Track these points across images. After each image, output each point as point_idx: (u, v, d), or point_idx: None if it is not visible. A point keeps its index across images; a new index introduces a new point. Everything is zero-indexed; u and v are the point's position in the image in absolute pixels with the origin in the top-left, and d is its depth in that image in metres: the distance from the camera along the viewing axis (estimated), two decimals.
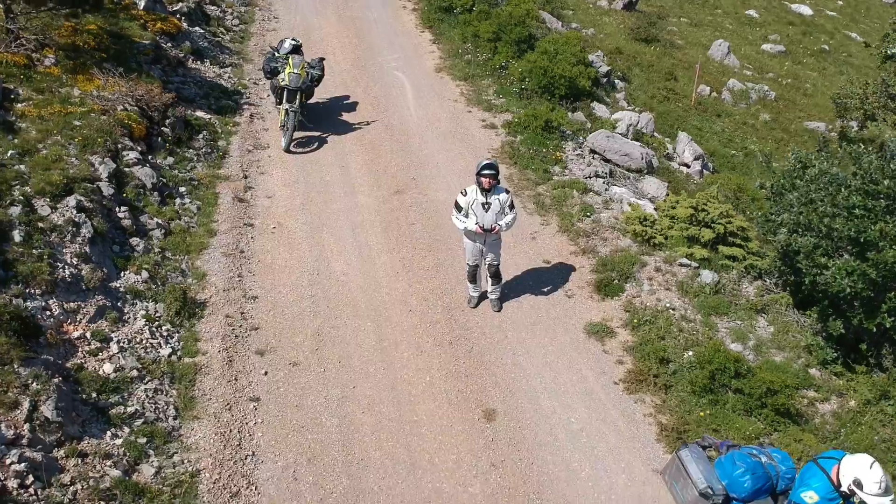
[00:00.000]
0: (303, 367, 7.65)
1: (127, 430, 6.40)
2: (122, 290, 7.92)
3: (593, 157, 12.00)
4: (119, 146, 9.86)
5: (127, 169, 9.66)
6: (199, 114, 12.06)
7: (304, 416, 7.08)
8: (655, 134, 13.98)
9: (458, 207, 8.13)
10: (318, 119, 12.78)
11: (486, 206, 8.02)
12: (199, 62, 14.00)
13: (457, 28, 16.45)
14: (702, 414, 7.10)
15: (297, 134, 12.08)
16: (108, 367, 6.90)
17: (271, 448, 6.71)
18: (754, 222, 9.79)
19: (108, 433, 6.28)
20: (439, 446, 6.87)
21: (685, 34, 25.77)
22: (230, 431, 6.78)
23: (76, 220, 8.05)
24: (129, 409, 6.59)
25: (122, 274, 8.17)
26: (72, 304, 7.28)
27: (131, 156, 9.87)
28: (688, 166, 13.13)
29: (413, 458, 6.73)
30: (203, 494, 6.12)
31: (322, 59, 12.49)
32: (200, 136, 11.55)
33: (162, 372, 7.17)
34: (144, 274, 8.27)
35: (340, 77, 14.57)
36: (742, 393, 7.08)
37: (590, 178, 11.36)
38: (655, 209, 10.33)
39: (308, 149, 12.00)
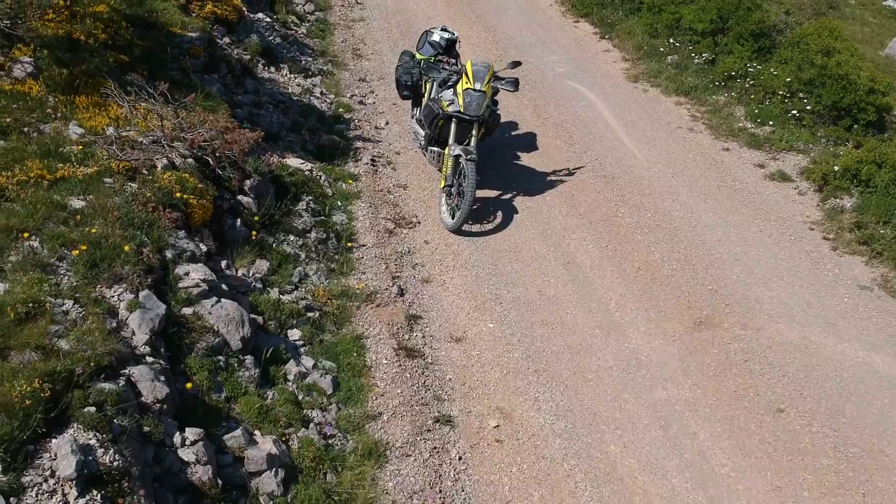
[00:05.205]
0: None
1: None
2: None
3: None
4: (167, 256, 4.58)
5: (188, 311, 4.37)
6: (292, 161, 6.77)
7: None
8: None
9: None
10: (482, 164, 7.52)
11: None
12: (271, 68, 8.71)
13: (636, 16, 11.15)
14: None
15: None
16: None
17: None
18: None
19: None
20: None
21: None
22: None
23: None
24: None
25: None
26: None
27: (192, 275, 4.58)
28: None
29: None
30: None
31: (517, 64, 7.07)
32: (300, 204, 6.26)
33: None
34: None
35: None
36: None
37: None
38: None
39: (486, 223, 6.72)
